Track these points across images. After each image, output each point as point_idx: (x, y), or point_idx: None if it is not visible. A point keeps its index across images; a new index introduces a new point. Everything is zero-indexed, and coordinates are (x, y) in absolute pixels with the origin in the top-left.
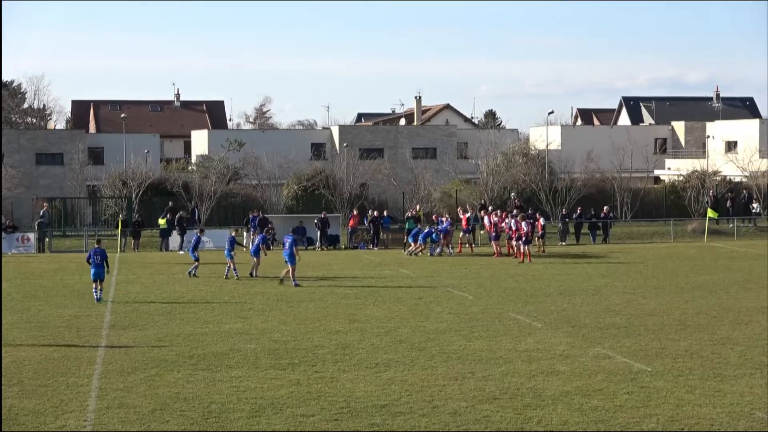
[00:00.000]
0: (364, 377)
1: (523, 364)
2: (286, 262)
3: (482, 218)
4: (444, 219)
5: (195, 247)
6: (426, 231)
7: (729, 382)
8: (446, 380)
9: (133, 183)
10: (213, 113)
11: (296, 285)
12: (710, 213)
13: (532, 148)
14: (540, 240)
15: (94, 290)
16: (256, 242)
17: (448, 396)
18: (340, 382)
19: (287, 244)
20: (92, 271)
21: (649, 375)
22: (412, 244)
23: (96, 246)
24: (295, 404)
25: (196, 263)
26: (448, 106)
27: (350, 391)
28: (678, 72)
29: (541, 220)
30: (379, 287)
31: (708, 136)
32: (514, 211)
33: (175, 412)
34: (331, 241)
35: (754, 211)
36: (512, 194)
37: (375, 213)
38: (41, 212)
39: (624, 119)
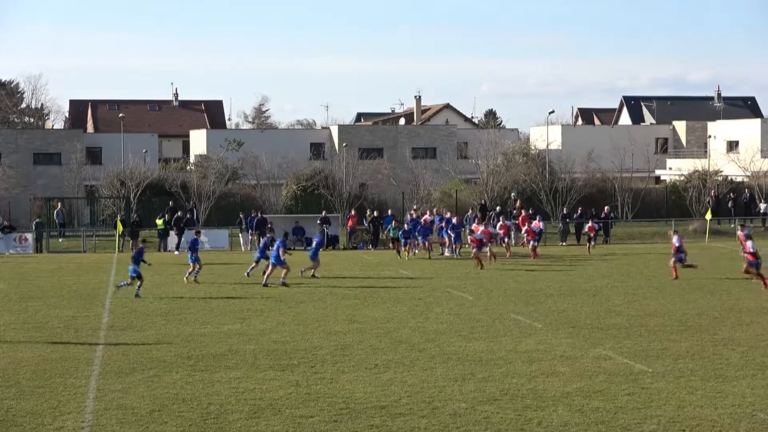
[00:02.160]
0: (363, 378)
1: (523, 365)
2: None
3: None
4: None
5: (193, 250)
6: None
7: (731, 383)
8: (446, 381)
9: (132, 183)
10: (211, 113)
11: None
12: (707, 214)
13: (533, 147)
14: (590, 243)
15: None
16: (276, 248)
17: (448, 397)
18: (339, 383)
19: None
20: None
21: (650, 376)
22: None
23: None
24: (294, 405)
25: (198, 267)
26: (447, 106)
27: (349, 392)
28: (681, 71)
29: (592, 223)
30: (379, 288)
31: (709, 136)
32: (515, 212)
33: (173, 413)
34: (331, 242)
35: (761, 211)
36: (512, 194)
37: (375, 213)
38: (55, 212)
39: (625, 119)
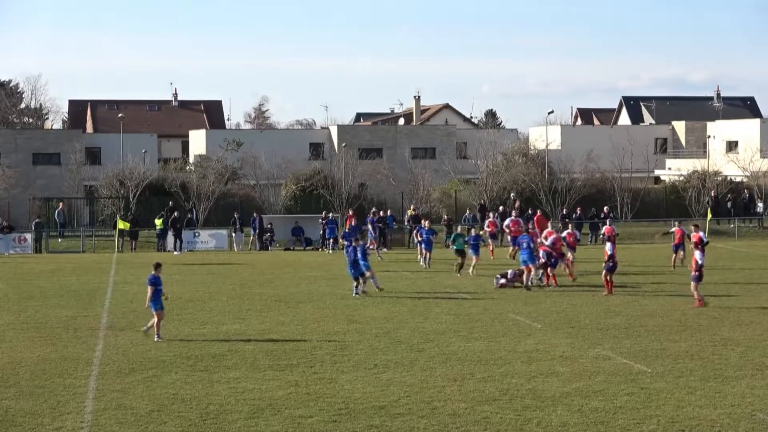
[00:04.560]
0: (362, 378)
1: (522, 365)
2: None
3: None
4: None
5: (364, 257)
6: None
7: (730, 383)
8: (445, 381)
9: (131, 183)
10: (211, 113)
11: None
12: (708, 214)
13: (532, 148)
14: (678, 253)
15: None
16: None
17: (448, 397)
18: (338, 383)
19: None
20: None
21: (650, 376)
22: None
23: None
24: (293, 405)
25: (371, 274)
26: (447, 106)
27: (349, 392)
28: (681, 71)
29: (678, 227)
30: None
31: (708, 136)
32: (515, 212)
33: (172, 413)
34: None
35: (759, 210)
36: (512, 194)
37: (381, 213)
38: (57, 212)
39: (624, 119)
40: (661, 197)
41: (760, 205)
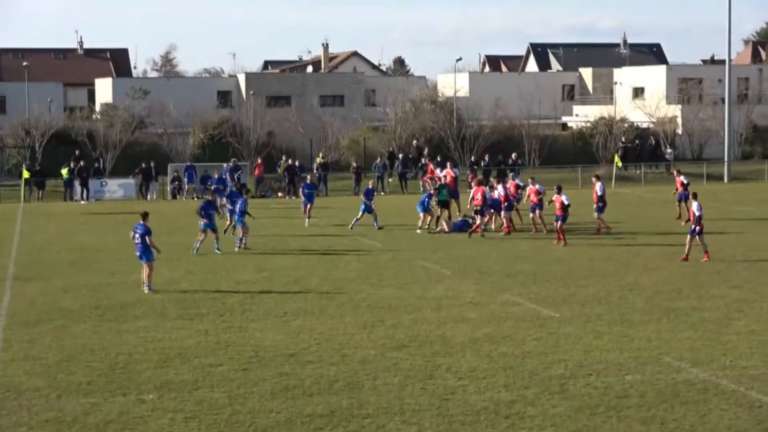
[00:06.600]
0: (272, 326)
1: (432, 312)
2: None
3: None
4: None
5: (243, 213)
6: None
7: (636, 327)
8: (355, 328)
9: (37, 132)
10: (117, 61)
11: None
12: (616, 161)
13: (440, 95)
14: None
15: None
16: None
17: (357, 344)
18: (248, 332)
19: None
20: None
21: (558, 321)
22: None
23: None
24: (203, 354)
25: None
26: (355, 53)
27: (259, 340)
28: (590, 18)
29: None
30: (287, 236)
31: (615, 83)
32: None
33: (81, 363)
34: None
35: (666, 156)
36: (414, 141)
37: (290, 161)
38: None
39: (532, 66)
40: (568, 144)
41: (669, 151)
